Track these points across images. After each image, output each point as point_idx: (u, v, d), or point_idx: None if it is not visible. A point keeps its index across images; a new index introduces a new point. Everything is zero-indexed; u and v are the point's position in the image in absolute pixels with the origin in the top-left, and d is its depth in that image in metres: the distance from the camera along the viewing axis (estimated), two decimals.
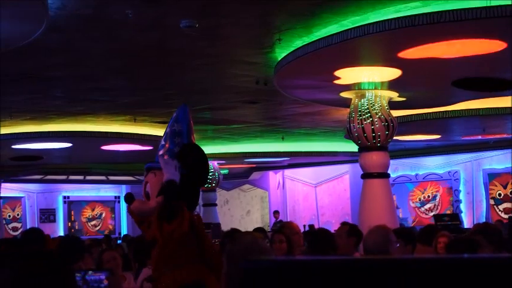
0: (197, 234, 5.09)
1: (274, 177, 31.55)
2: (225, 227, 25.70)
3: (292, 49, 10.96)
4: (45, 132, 18.34)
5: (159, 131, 19.48)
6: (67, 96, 14.86)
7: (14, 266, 2.94)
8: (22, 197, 31.60)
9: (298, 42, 10.73)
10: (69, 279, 2.70)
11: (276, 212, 28.13)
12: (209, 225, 20.79)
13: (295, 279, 1.24)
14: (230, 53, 11.57)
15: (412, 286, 1.15)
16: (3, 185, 27.10)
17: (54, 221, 31.47)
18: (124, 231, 31.25)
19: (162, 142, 5.62)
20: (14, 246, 9.13)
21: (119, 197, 33.63)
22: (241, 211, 33.57)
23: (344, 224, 8.94)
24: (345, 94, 13.45)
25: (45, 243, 4.51)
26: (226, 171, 28.98)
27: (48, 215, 31.91)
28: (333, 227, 24.00)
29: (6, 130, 18.23)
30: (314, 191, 29.82)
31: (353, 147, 18.41)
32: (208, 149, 23.63)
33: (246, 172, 31.33)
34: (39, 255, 2.84)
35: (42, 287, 2.60)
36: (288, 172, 30.63)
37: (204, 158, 5.70)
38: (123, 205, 33.76)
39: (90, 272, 3.35)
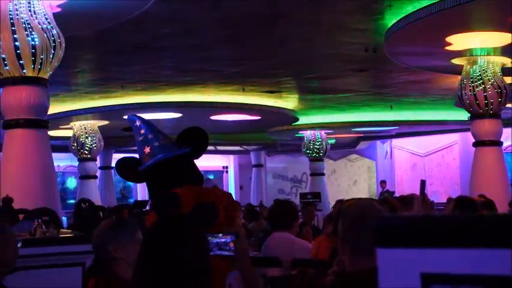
0: None
1: (381, 147, 31.29)
2: (332, 197, 25.69)
3: (402, 15, 10.80)
4: (155, 103, 18.65)
5: (267, 101, 19.57)
6: (176, 67, 15.05)
7: (148, 229, 3.02)
8: None
9: (409, 8, 10.56)
10: (201, 242, 2.75)
11: (383, 182, 27.91)
12: (318, 195, 20.83)
13: (430, 236, 1.22)
14: (339, 20, 11.48)
15: None
16: (114, 155, 27.73)
17: None
18: None
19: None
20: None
21: (227, 167, 34.01)
22: (348, 181, 33.46)
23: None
24: (456, 61, 13.20)
25: (180, 207, 4.61)
26: (333, 141, 28.88)
27: None
28: (441, 198, 23.70)
29: (118, 101, 18.64)
30: (422, 161, 29.43)
31: (463, 116, 18.06)
32: (315, 118, 23.60)
33: (353, 142, 31.17)
34: (173, 219, 2.91)
35: (174, 249, 2.65)
36: (396, 141, 30.31)
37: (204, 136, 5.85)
38: (231, 174, 34.15)
39: (220, 234, 3.40)
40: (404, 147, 30.12)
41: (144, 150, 5.55)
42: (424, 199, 4.49)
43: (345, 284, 3.02)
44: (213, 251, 3.27)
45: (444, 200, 17.79)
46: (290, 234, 7.05)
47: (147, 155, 5.53)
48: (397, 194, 20.33)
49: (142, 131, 5.61)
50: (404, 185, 29.17)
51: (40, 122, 9.46)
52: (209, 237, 3.26)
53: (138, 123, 5.68)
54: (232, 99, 19.07)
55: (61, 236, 6.93)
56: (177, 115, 20.09)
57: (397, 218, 1.33)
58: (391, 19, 11.20)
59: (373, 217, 2.95)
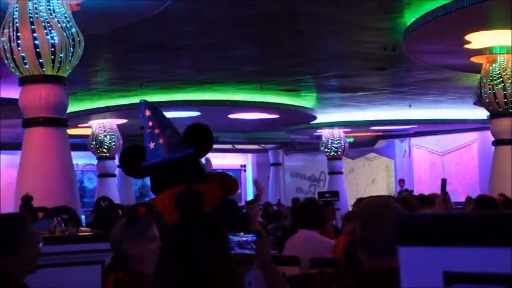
0: None
1: (400, 146, 31.18)
2: (350, 195, 25.64)
3: (421, 13, 10.76)
4: (174, 102, 18.67)
5: (285, 99, 19.54)
6: (195, 65, 15.07)
7: (169, 227, 3.02)
8: None
9: (428, 7, 10.52)
10: (222, 240, 2.75)
11: (401, 181, 27.79)
12: (336, 193, 20.76)
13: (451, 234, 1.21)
14: (358, 18, 11.45)
15: None
16: None
17: None
18: (249, 198, 31.57)
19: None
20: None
21: (244, 166, 33.99)
22: (366, 180, 33.35)
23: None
24: (475, 59, 13.14)
25: (202, 205, 4.64)
26: (351, 140, 28.80)
27: None
28: (460, 197, 23.59)
29: (136, 99, 18.65)
30: (441, 160, 29.31)
31: (482, 115, 17.97)
32: (334, 116, 23.55)
33: (371, 140, 31.06)
34: (194, 217, 2.91)
35: (195, 247, 2.66)
36: (414, 140, 30.19)
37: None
38: (249, 173, 34.14)
39: (241, 233, 3.39)
40: (423, 146, 30.00)
41: (150, 144, 5.57)
42: (445, 198, 4.46)
43: (363, 284, 2.99)
44: (235, 250, 3.26)
45: (463, 200, 17.74)
46: (316, 232, 7.09)
47: (151, 150, 5.54)
48: (415, 193, 20.24)
49: (150, 123, 5.60)
50: (423, 184, 29.07)
51: (59, 120, 9.48)
52: (230, 236, 3.26)
53: (148, 113, 5.66)
54: (251, 98, 19.06)
55: (80, 234, 6.95)
56: (196, 114, 20.10)
57: (419, 217, 1.32)
58: (410, 17, 11.17)
59: (390, 215, 2.93)
